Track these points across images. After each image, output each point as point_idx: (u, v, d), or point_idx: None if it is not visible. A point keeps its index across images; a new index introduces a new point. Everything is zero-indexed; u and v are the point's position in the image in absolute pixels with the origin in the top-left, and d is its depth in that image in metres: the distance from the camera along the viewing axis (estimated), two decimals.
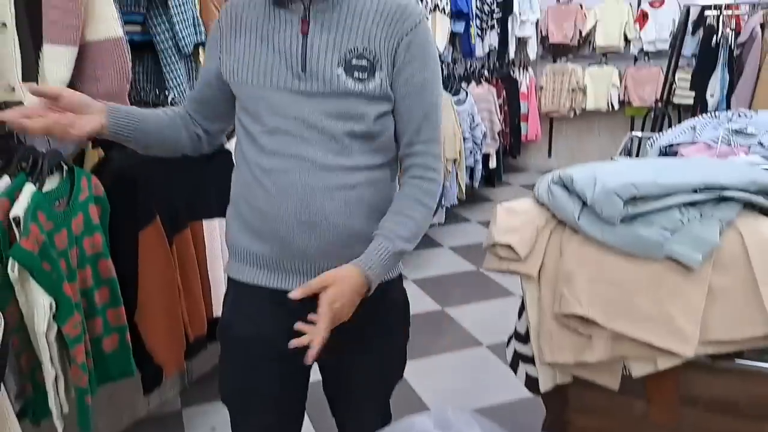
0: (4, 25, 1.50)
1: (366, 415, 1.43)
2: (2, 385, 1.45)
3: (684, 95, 4.53)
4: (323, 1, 1.20)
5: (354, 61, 1.20)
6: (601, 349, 1.36)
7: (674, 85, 4.26)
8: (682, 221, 1.34)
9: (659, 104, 3.70)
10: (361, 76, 1.20)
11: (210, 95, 1.36)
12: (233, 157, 1.34)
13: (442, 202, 3.99)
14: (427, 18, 3.77)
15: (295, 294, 1.12)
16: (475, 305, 3.31)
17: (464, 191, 4.36)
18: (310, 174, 1.20)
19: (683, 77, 4.60)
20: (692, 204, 1.38)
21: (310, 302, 1.13)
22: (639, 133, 2.93)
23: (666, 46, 5.33)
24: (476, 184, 4.66)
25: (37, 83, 1.61)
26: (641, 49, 5.53)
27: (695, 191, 1.38)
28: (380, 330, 1.35)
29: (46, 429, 1.70)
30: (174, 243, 1.99)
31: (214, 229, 2.16)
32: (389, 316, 1.39)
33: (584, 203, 1.43)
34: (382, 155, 1.28)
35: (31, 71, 1.57)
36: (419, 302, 3.31)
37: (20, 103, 1.61)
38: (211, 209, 2.14)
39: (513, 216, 1.56)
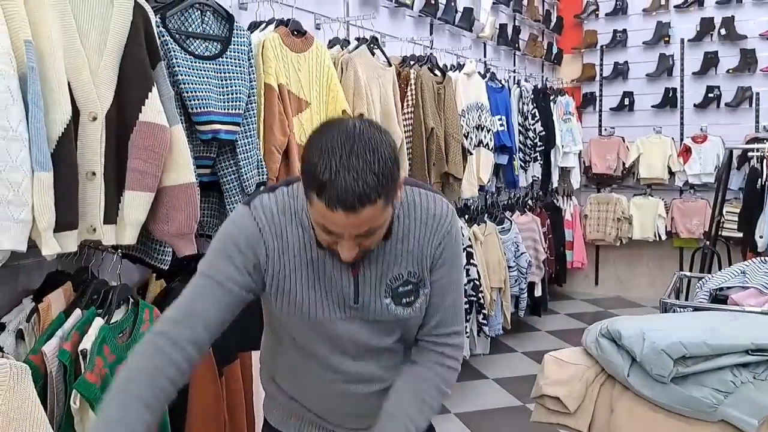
0: (94, 174, 1.67)
1: None
2: None
3: (733, 228, 4.52)
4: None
5: (400, 289, 1.23)
6: None
7: (722, 219, 4.26)
8: (734, 383, 1.33)
9: (707, 242, 3.69)
10: (407, 301, 1.23)
11: (224, 312, 1.21)
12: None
13: (487, 333, 3.97)
14: (471, 153, 3.93)
15: None
16: None
17: (509, 320, 4.33)
18: (366, 386, 1.27)
19: (731, 210, 4.60)
20: (744, 365, 1.37)
21: None
22: (688, 273, 2.92)
23: (711, 179, 5.36)
24: (521, 314, 4.62)
25: (116, 224, 1.75)
26: (686, 182, 5.59)
27: (747, 352, 1.38)
28: None
29: None
30: (224, 374, 2.04)
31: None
32: None
33: (633, 359, 1.44)
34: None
35: (111, 213, 1.72)
36: None
37: (99, 242, 1.75)
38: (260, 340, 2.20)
39: (562, 368, 1.57)
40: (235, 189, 2.21)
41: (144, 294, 2.14)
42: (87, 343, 1.62)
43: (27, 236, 1.51)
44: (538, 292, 4.91)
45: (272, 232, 1.18)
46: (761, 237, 3.19)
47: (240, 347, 2.12)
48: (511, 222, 4.52)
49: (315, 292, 1.20)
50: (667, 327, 1.48)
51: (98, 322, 1.68)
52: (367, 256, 1.18)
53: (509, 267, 4.32)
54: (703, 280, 2.51)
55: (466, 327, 3.84)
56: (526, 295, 4.58)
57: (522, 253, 4.50)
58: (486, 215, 4.33)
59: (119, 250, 1.92)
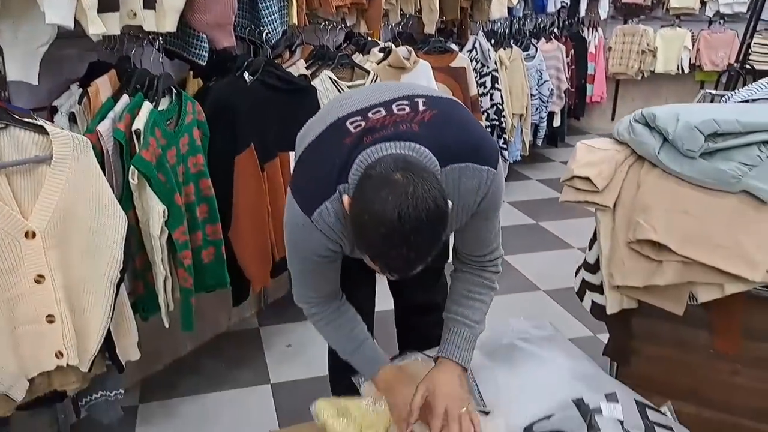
0: None
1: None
2: (124, 279, 1.64)
3: (761, 60, 4.42)
4: None
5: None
6: (670, 273, 1.45)
7: (750, 48, 4.16)
8: (760, 158, 1.41)
9: (734, 65, 3.63)
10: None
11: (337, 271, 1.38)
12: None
13: (506, 157, 4.05)
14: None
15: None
16: (534, 254, 3.40)
17: (528, 148, 4.40)
18: None
19: (760, 41, 4.48)
20: None
21: None
22: (712, 91, 2.92)
23: (744, 9, 5.16)
24: (539, 142, 4.69)
25: (155, 10, 1.75)
26: (717, 12, 5.37)
27: None
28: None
29: (142, 332, 1.90)
30: (265, 170, 2.15)
31: None
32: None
33: (665, 139, 1.50)
34: None
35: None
36: None
37: (140, 29, 1.77)
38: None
39: (592, 152, 1.64)
40: None
41: None
42: (139, 123, 1.70)
43: (73, 12, 1.53)
44: (556, 123, 4.93)
45: (334, 238, 1.24)
46: None
47: (278, 147, 2.20)
48: (536, 48, 4.44)
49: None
50: (700, 110, 1.53)
51: (147, 106, 1.74)
52: None
53: (531, 95, 4.31)
54: (727, 95, 2.52)
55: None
56: (545, 124, 4.62)
57: (545, 81, 4.47)
58: (512, 40, 4.24)
59: (159, 40, 1.95)
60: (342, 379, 1.62)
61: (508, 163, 4.17)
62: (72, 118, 1.79)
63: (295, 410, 2.02)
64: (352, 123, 1.22)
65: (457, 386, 1.35)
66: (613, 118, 6.22)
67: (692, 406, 1.64)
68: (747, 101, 2.43)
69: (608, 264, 1.58)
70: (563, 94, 4.90)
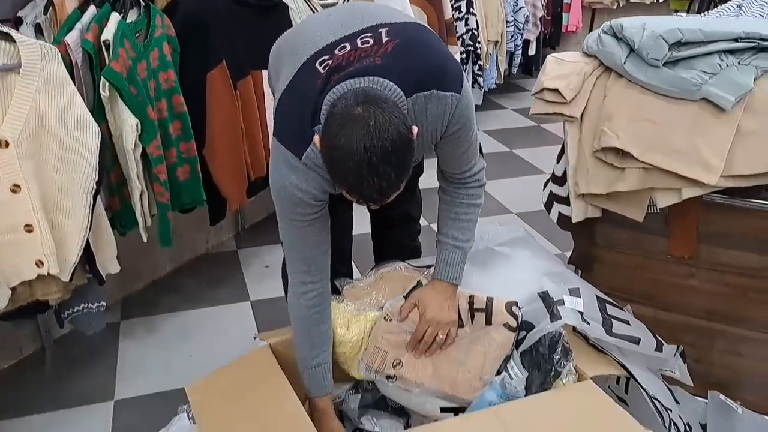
0: None
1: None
2: (100, 193, 1.65)
3: None
4: None
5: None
6: (632, 179, 1.51)
7: None
8: (720, 66, 1.45)
9: None
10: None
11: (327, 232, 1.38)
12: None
13: (481, 84, 4.06)
14: None
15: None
16: (507, 180, 3.47)
17: (503, 76, 4.40)
18: None
19: None
20: (732, 52, 1.48)
21: None
22: (683, 14, 2.95)
23: None
24: (514, 71, 4.68)
25: None
26: None
27: (736, 40, 1.48)
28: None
29: (130, 245, 1.94)
30: (238, 87, 2.14)
31: None
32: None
33: (631, 49, 1.54)
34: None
35: None
36: None
37: None
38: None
39: (562, 65, 1.68)
40: None
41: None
42: (108, 34, 1.67)
43: None
44: (532, 51, 4.92)
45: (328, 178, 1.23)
46: None
47: (251, 65, 2.19)
48: None
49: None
50: (666, 21, 1.56)
51: (115, 17, 1.72)
52: None
53: (507, 21, 4.27)
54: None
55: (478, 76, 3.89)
56: (520, 52, 4.60)
57: (520, 8, 4.43)
58: None
59: None
60: None
61: (483, 90, 4.18)
62: (38, 29, 1.76)
63: (276, 324, 2.09)
64: (321, 63, 1.25)
65: (444, 309, 1.42)
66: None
67: (649, 308, 1.74)
68: None
69: (574, 173, 1.64)
70: (539, 22, 4.87)
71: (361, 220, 1.89)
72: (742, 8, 2.42)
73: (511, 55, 4.52)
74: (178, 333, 2.16)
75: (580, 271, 1.85)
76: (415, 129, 1.14)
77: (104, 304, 1.81)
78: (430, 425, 1.31)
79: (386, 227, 1.90)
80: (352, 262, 1.83)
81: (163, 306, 2.30)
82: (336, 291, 1.59)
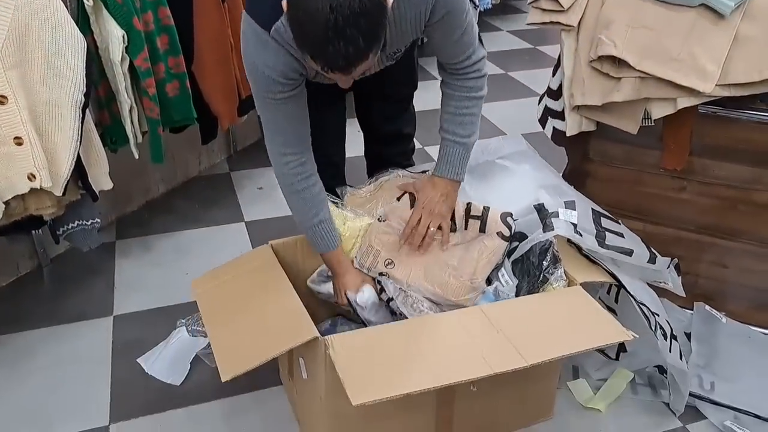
0: None
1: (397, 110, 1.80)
2: (89, 107, 1.63)
3: None
4: None
5: (396, 55, 1.39)
6: (628, 89, 1.50)
7: None
8: None
9: None
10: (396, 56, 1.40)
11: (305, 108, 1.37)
12: None
13: (476, 4, 3.95)
14: None
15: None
16: (502, 103, 3.43)
17: None
18: None
19: None
20: None
21: None
22: None
23: None
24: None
25: None
26: None
27: None
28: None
29: (122, 165, 1.92)
30: (225, 1, 2.08)
31: None
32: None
33: None
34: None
35: None
36: None
37: None
38: None
39: None
40: None
41: None
42: None
43: None
44: None
45: (297, 56, 1.22)
46: None
47: None
48: None
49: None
50: None
51: None
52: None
53: None
54: None
55: None
56: None
57: None
58: None
59: None
60: None
61: (478, 10, 4.07)
62: None
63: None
64: None
65: (439, 203, 1.43)
66: None
67: (640, 222, 1.76)
68: None
69: (570, 85, 1.62)
70: None
71: (355, 141, 1.88)
72: None
73: None
74: (174, 252, 2.18)
75: (573, 186, 1.86)
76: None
77: (98, 221, 1.81)
78: (417, 318, 1.33)
79: (379, 144, 1.89)
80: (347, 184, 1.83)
81: (158, 226, 2.31)
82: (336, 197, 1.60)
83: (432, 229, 1.43)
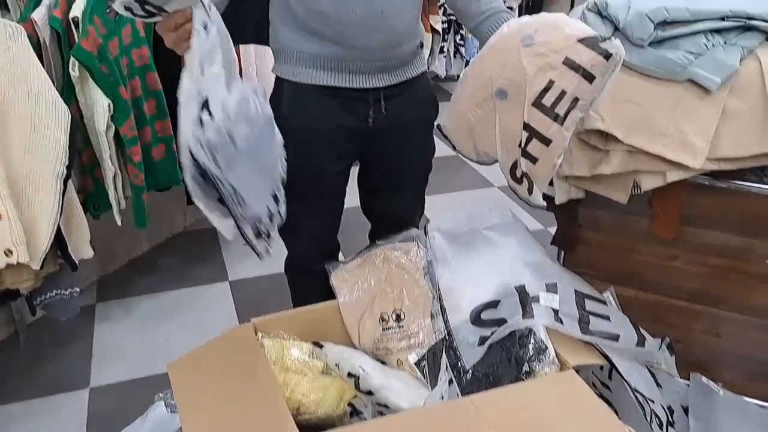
0: None
1: (408, 198, 1.67)
2: (71, 176, 1.60)
3: None
4: None
5: None
6: (616, 162, 1.49)
7: None
8: (706, 46, 1.42)
9: None
10: None
11: None
12: None
13: (463, 54, 4.00)
14: None
15: None
16: None
17: None
18: None
19: None
20: (718, 31, 1.45)
21: (361, 97, 1.35)
22: None
23: None
24: None
25: None
26: None
27: (722, 19, 1.45)
28: (416, 121, 1.51)
29: (96, 232, 1.88)
30: None
31: (249, 55, 2.23)
32: (423, 108, 1.56)
33: (615, 28, 1.50)
34: None
35: None
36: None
37: None
38: (247, 34, 2.20)
39: None
40: None
41: None
42: (77, 11, 1.61)
43: None
44: None
45: None
46: None
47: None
48: None
49: None
50: None
51: None
52: None
53: None
54: None
55: (443, 47, 3.86)
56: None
57: None
58: None
59: None
60: (300, 276, 1.66)
61: (465, 60, 4.12)
62: (3, 5, 1.68)
63: (255, 305, 2.07)
64: None
65: None
66: (571, 7, 6.15)
67: (632, 289, 1.74)
68: None
69: None
70: None
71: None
72: None
73: None
74: (156, 315, 2.13)
75: (563, 252, 1.84)
76: None
77: (78, 289, 1.76)
78: (399, 414, 1.27)
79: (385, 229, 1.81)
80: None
81: (141, 287, 2.26)
82: (325, 276, 1.55)
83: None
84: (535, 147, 1.28)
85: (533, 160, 1.30)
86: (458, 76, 4.35)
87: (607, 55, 1.17)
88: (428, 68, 3.71)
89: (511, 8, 4.71)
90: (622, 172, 1.50)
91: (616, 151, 1.48)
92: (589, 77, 1.19)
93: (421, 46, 1.57)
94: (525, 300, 1.36)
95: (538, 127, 1.25)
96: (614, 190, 1.57)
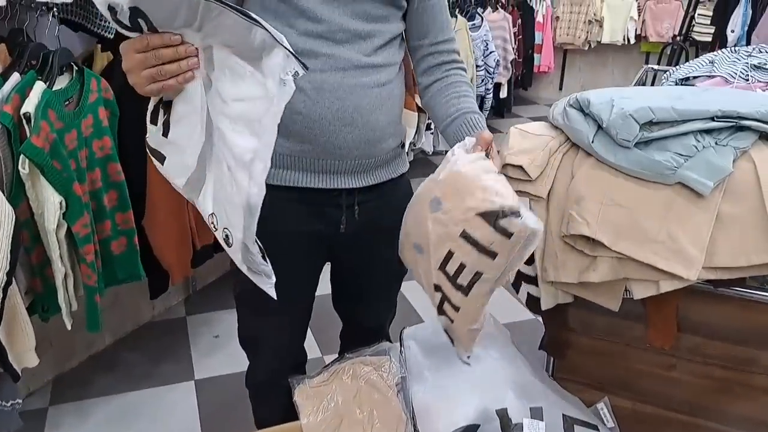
0: None
1: (378, 307, 1.55)
2: (14, 279, 1.48)
3: (703, 32, 4.42)
4: None
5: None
6: (605, 269, 1.37)
7: (694, 21, 4.15)
8: (696, 148, 1.33)
9: (677, 39, 3.60)
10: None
11: None
12: None
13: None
14: None
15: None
16: None
17: None
18: (345, 73, 1.22)
19: (703, 13, 4.47)
20: (708, 131, 1.37)
21: (334, 200, 1.29)
22: (655, 66, 2.87)
23: None
24: (486, 114, 4.61)
25: None
26: None
27: (712, 119, 1.36)
28: (391, 227, 1.40)
29: (54, 326, 1.75)
30: None
31: None
32: (400, 214, 1.44)
33: (599, 126, 1.42)
34: (399, 53, 1.33)
35: None
36: None
37: None
38: None
39: (526, 138, 1.54)
40: None
41: (90, 67, 2.00)
42: (29, 106, 1.51)
43: None
44: (503, 94, 4.86)
45: None
46: (732, 31, 3.11)
47: None
48: (482, 18, 4.32)
49: None
50: (636, 95, 1.44)
51: (40, 86, 1.56)
52: None
53: (477, 66, 4.21)
54: (669, 71, 2.47)
55: (429, 123, 3.83)
56: (491, 96, 4.53)
57: (491, 52, 4.37)
58: (457, 10, 4.11)
59: (55, 11, 1.74)
60: (261, 392, 1.51)
61: None
62: None
63: (219, 411, 1.91)
64: None
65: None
66: (560, 88, 6.20)
67: (628, 400, 1.60)
68: (688, 78, 2.39)
69: (542, 257, 1.50)
70: (510, 65, 4.82)
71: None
72: (715, 64, 2.35)
73: (482, 99, 4.45)
74: (112, 420, 1.96)
75: (552, 359, 1.70)
76: None
77: (20, 401, 1.61)
78: None
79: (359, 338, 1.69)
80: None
81: (99, 386, 2.10)
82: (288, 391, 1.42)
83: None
84: (448, 308, 1.19)
85: (450, 319, 1.22)
86: (446, 151, 4.32)
87: (509, 234, 1.06)
88: (415, 145, 3.66)
89: (500, 84, 4.73)
90: (611, 280, 1.39)
91: (604, 258, 1.37)
92: (490, 254, 1.09)
93: (402, 146, 1.47)
94: (507, 427, 1.23)
95: (447, 292, 1.17)
96: (604, 297, 1.45)
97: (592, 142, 1.40)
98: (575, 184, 1.42)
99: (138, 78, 0.90)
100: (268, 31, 0.85)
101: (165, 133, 1.07)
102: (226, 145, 0.95)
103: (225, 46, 0.90)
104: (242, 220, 0.98)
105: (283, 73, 0.87)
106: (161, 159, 1.11)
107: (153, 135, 1.11)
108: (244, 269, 1.10)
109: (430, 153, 3.94)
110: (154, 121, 1.08)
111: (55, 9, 1.73)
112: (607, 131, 1.38)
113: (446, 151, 3.92)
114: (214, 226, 1.06)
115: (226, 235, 1.05)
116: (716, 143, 1.36)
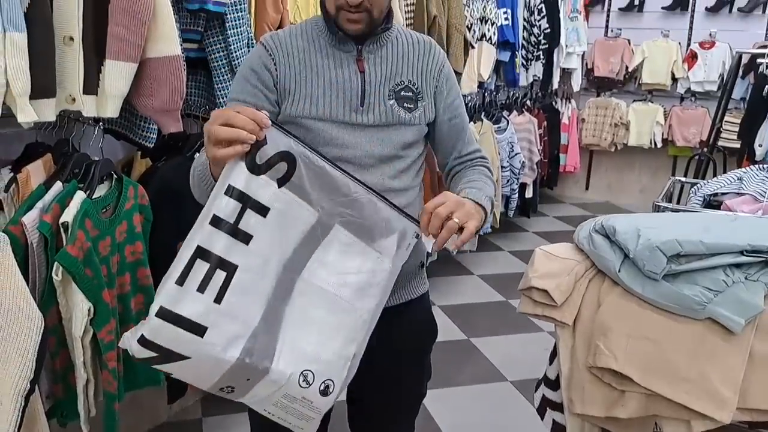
0: (71, 39, 1.55)
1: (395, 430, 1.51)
2: (37, 385, 1.48)
3: (731, 139, 4.46)
4: (373, 42, 1.32)
5: (402, 93, 1.34)
6: (634, 405, 1.33)
7: (721, 130, 4.19)
8: (726, 283, 1.32)
9: (704, 149, 3.63)
10: (408, 107, 1.34)
11: None
12: None
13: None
14: (473, 47, 3.79)
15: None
16: (502, 338, 3.28)
17: (498, 220, 4.34)
18: None
19: (731, 120, 4.52)
20: (737, 266, 1.35)
21: None
22: (682, 179, 2.89)
23: (714, 87, 5.26)
24: (511, 213, 4.63)
25: (97, 95, 1.65)
26: (688, 89, 5.46)
27: (741, 253, 1.35)
28: (411, 350, 1.39)
29: (71, 430, 1.73)
30: None
31: None
32: (420, 336, 1.43)
33: (626, 255, 1.41)
34: (419, 176, 1.41)
35: (91, 83, 1.62)
36: (445, 330, 3.29)
37: (79, 112, 1.67)
38: None
39: (552, 261, 1.54)
40: (224, 67, 2.09)
41: (129, 173, 2.08)
42: (68, 216, 1.57)
43: (1, 99, 1.43)
44: (529, 194, 4.89)
45: (278, 45, 1.30)
46: (760, 145, 3.13)
47: None
48: (507, 121, 4.43)
49: (321, 89, 1.28)
50: (662, 225, 1.45)
51: (80, 196, 1.62)
52: (369, 57, 1.31)
53: (502, 167, 4.27)
54: (697, 185, 2.48)
55: None
56: (516, 195, 4.57)
57: (516, 154, 4.44)
58: (483, 113, 4.22)
59: (101, 124, 1.84)
60: None
61: (477, 236, 4.09)
62: None
63: None
64: None
65: (459, 199, 1.21)
66: (587, 188, 6.23)
67: None
68: (716, 194, 2.39)
69: (568, 386, 1.46)
70: (535, 166, 4.88)
71: None
72: (743, 181, 2.35)
73: (507, 199, 4.49)
74: None
75: None
76: None
77: None
78: None
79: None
80: None
81: None
82: None
83: (455, 221, 1.15)
84: None
85: None
86: (470, 251, 4.34)
87: None
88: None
89: (525, 184, 4.77)
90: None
91: (633, 393, 1.33)
92: None
93: (422, 266, 1.48)
94: None
95: None
96: (633, 431, 1.40)
97: (619, 271, 1.40)
98: (602, 315, 1.41)
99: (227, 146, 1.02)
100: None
101: (218, 300, 1.03)
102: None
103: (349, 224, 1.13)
104: (364, 333, 1.16)
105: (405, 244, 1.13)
106: (200, 332, 1.03)
107: (190, 303, 1.02)
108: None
109: (454, 252, 3.95)
110: (201, 289, 1.01)
111: (101, 122, 1.82)
112: (634, 261, 1.38)
113: (470, 251, 3.92)
114: (308, 383, 1.11)
115: (326, 386, 1.13)
116: (746, 278, 1.34)
